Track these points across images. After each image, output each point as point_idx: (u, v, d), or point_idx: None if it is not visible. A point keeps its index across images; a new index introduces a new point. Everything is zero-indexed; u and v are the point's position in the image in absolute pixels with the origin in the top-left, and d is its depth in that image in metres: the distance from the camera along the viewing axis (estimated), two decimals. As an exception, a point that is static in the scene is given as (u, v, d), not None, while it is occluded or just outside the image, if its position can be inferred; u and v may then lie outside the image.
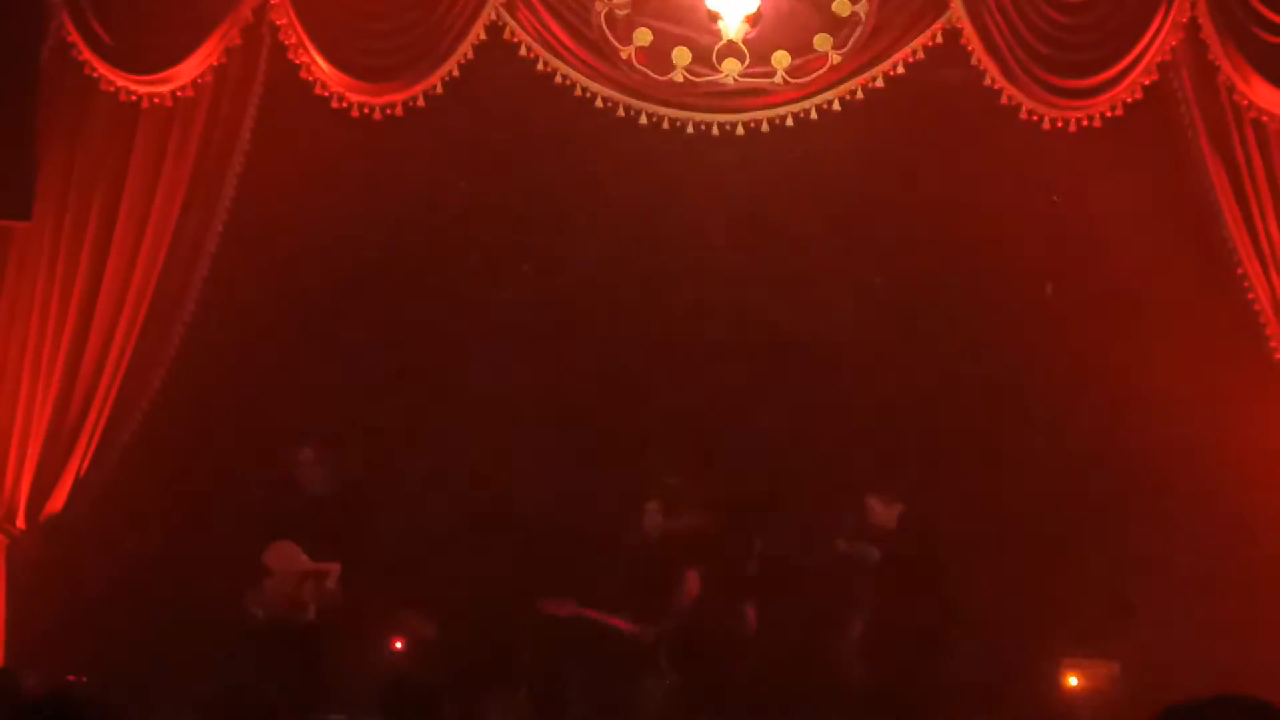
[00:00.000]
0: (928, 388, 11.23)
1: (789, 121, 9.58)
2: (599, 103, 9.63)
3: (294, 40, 9.54)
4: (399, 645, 10.84)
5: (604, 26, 9.49)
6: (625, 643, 10.64)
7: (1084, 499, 10.78)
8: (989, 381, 11.09)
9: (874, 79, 9.51)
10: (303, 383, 11.02)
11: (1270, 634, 9.75)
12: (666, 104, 9.60)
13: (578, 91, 9.60)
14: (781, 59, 9.47)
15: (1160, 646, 10.19)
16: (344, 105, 9.61)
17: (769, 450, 11.35)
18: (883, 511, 10.66)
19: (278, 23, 9.56)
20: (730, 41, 9.41)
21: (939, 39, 9.43)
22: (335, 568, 10.22)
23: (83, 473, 9.81)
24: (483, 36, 9.55)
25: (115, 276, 9.80)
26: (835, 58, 9.47)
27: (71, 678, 9.74)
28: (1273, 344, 9.44)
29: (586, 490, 11.12)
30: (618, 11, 9.46)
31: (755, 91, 9.56)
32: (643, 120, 9.64)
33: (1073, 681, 10.71)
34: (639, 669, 10.57)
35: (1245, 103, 9.33)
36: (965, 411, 11.18)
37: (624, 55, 9.50)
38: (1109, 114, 9.42)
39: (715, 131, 9.66)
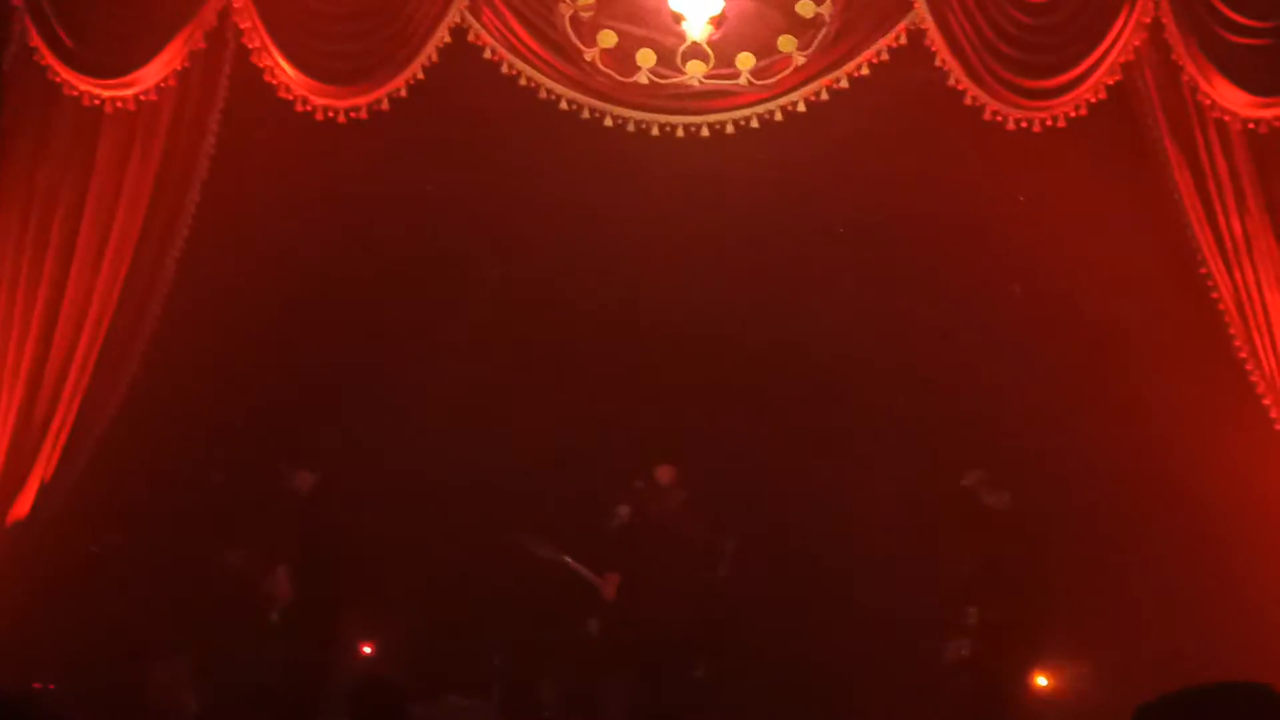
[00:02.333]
0: (896, 386, 11.26)
1: (754, 123, 9.57)
2: (564, 105, 9.60)
3: (258, 44, 9.50)
4: (367, 649, 10.79)
5: (568, 29, 9.46)
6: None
7: (1049, 498, 10.77)
8: (954, 379, 11.11)
9: (838, 80, 9.51)
10: (270, 386, 11.00)
11: (1239, 632, 9.75)
12: (631, 106, 9.57)
13: (543, 94, 9.57)
14: (746, 60, 9.46)
15: (1131, 647, 10.21)
16: (308, 109, 9.58)
17: (736, 451, 11.36)
18: (989, 495, 10.52)
19: (241, 26, 9.51)
20: (694, 43, 9.39)
21: (903, 40, 9.42)
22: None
23: (48, 478, 9.76)
24: (447, 39, 9.51)
25: (80, 281, 9.74)
26: (800, 59, 9.46)
27: (38, 685, 9.71)
28: (1236, 342, 9.48)
29: (557, 492, 11.11)
30: (582, 14, 9.43)
31: (720, 93, 9.54)
32: (608, 122, 9.62)
33: (1042, 682, 10.71)
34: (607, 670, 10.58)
35: (1208, 102, 9.36)
36: (934, 410, 11.20)
37: (588, 57, 9.48)
38: (1073, 114, 9.44)
39: (680, 133, 9.65)
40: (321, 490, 10.77)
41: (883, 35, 9.45)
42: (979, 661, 10.63)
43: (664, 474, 11.14)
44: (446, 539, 11.16)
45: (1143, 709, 2.76)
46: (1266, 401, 9.47)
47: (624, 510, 10.97)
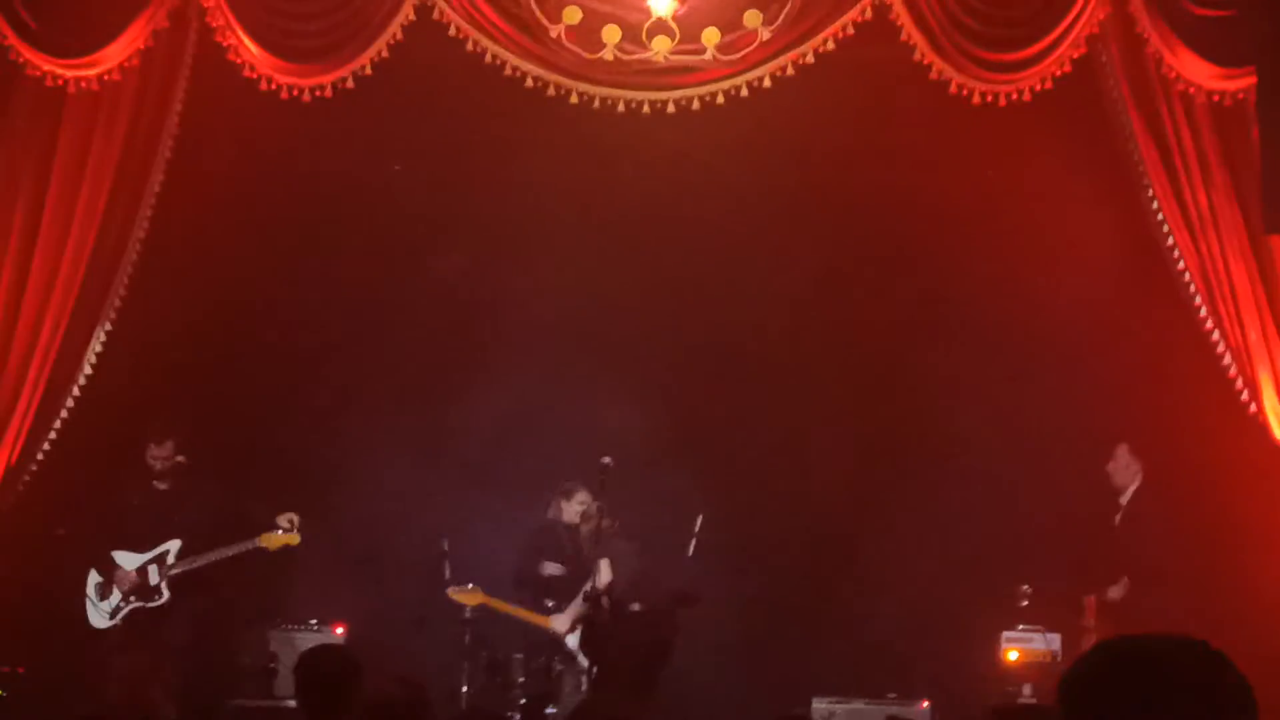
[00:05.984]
0: (863, 365, 11.26)
1: (720, 99, 9.56)
2: (529, 82, 9.58)
3: (221, 22, 9.47)
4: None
5: (533, 5, 9.45)
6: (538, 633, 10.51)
7: (1018, 475, 10.72)
8: (921, 355, 11.10)
9: (804, 55, 9.51)
10: (234, 370, 10.94)
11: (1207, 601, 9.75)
12: (597, 82, 9.57)
13: (508, 71, 9.55)
14: (711, 36, 9.45)
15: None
16: (273, 87, 9.54)
17: (708, 430, 11.35)
18: (1126, 467, 10.37)
19: (205, 4, 9.48)
20: (660, 19, 9.39)
21: (868, 14, 9.43)
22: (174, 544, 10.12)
23: (13, 462, 9.70)
24: (412, 17, 9.48)
25: (43, 264, 9.68)
26: (765, 34, 9.46)
27: (6, 668, 9.65)
28: (1202, 314, 9.51)
29: (520, 472, 11.04)
30: (547, -11, 9.42)
31: (686, 69, 9.54)
32: (573, 99, 9.60)
33: (1012, 656, 10.65)
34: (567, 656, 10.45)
35: (1173, 75, 9.41)
36: (904, 388, 11.20)
37: (553, 34, 9.46)
38: (1038, 88, 9.48)
39: (646, 109, 9.64)
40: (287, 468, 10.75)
41: (848, 9, 9.46)
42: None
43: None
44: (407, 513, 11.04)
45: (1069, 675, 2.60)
46: (1233, 374, 9.52)
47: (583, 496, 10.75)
